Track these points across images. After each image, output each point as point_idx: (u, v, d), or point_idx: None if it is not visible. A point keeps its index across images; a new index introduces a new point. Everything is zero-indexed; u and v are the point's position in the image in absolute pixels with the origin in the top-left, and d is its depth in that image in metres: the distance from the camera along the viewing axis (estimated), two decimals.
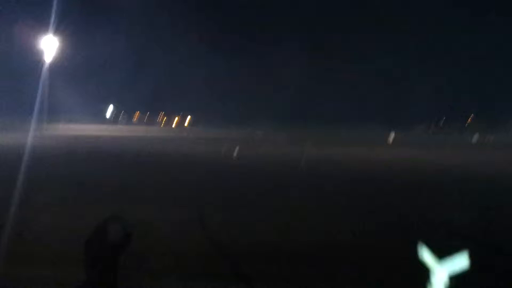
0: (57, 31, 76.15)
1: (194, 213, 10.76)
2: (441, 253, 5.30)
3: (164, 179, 17.05)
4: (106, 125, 79.35)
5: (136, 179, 16.81)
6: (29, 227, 9.06)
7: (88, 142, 38.44)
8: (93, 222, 6.87)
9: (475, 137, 65.37)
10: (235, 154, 28.27)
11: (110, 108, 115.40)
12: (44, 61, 75.85)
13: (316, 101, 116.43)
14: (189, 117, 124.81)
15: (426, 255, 5.37)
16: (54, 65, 78.83)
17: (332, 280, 6.69)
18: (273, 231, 9.45)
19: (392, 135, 58.02)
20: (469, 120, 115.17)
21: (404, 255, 7.16)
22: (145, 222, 9.26)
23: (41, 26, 75.69)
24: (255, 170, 21.18)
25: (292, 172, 20.68)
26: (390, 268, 7.17)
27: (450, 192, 15.61)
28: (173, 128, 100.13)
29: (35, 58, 76.29)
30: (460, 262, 5.09)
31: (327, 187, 16.02)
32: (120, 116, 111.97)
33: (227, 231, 9.26)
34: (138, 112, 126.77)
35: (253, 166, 23.10)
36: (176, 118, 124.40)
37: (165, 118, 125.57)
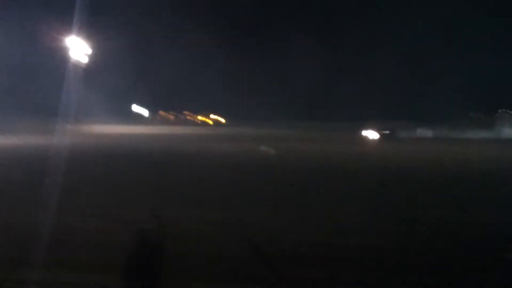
0: (81, 31, 76.65)
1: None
2: None
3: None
4: (132, 126, 78.83)
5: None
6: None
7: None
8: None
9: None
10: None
11: (134, 108, 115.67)
12: (69, 61, 76.26)
13: (339, 98, 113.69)
14: (214, 115, 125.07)
15: None
16: (78, 65, 79.24)
17: None
18: None
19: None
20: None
21: None
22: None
23: (66, 26, 76.25)
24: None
25: None
26: None
27: None
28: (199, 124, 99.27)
29: (60, 58, 76.92)
30: None
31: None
32: (147, 116, 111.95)
33: None
34: (162, 111, 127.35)
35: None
36: (200, 117, 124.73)
37: (189, 117, 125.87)
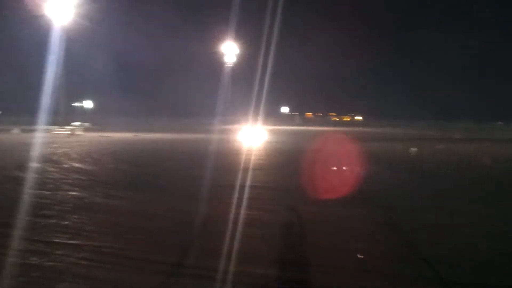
0: (237, 37, 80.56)
1: None
2: None
3: None
4: (284, 126, 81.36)
5: None
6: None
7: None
8: None
9: None
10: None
11: (285, 109, 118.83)
12: (225, 65, 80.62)
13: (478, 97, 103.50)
14: (360, 117, 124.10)
15: None
16: (228, 68, 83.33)
17: None
18: None
19: None
20: None
21: None
22: None
23: (223, 31, 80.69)
24: None
25: None
26: None
27: None
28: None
29: (217, 63, 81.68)
30: None
31: None
32: (295, 117, 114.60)
33: None
34: (310, 113, 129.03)
35: None
36: (347, 118, 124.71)
37: (336, 118, 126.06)
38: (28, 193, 11.69)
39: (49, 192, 11.94)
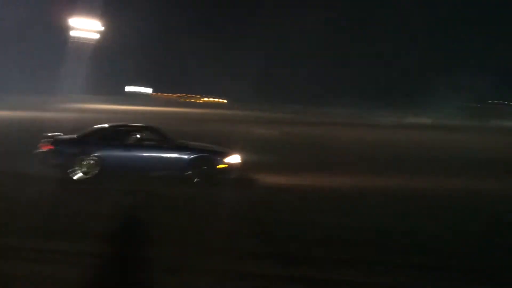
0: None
1: None
2: None
3: None
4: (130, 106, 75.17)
5: None
6: None
7: None
8: None
9: None
10: None
11: (135, 88, 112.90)
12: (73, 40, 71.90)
13: None
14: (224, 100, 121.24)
15: None
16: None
17: None
18: None
19: None
20: None
21: None
22: None
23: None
24: None
25: None
26: None
27: None
28: None
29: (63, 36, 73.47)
30: None
31: None
32: (142, 96, 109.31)
33: None
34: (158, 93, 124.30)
35: None
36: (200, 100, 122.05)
37: (187, 99, 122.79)
38: None
39: None
